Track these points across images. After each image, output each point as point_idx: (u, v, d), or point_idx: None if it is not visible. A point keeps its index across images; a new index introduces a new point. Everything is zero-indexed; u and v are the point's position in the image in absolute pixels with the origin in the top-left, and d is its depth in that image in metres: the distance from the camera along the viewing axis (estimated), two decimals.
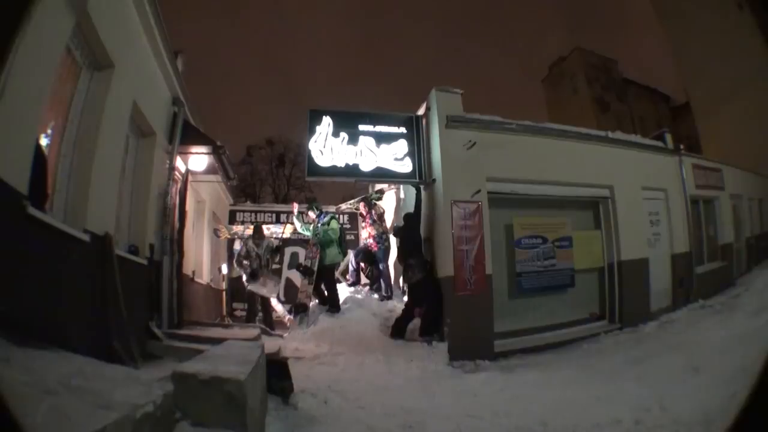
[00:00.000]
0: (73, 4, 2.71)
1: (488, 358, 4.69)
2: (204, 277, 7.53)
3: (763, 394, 1.06)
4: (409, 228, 5.54)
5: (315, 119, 5.40)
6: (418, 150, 5.58)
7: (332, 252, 6.02)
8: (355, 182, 6.61)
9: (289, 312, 6.39)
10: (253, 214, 9.06)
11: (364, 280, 6.62)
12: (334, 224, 6.20)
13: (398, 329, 5.17)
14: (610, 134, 6.70)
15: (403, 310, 5.37)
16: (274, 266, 7.43)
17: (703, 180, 7.90)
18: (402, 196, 6.94)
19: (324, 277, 5.97)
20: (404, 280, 5.67)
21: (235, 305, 8.38)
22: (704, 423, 2.17)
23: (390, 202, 7.38)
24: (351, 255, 6.80)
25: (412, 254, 5.31)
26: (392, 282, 6.33)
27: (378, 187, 7.41)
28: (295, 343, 5.15)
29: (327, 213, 6.66)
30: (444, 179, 5.20)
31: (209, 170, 6.15)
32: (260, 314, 6.63)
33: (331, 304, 5.80)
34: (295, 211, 6.67)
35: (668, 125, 16.59)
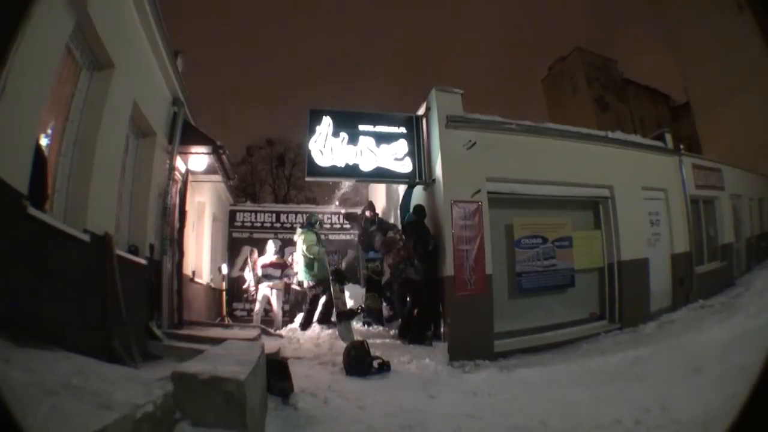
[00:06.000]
0: (73, 4, 2.71)
1: (488, 358, 4.69)
2: (204, 277, 7.52)
3: (763, 394, 1.06)
4: (419, 225, 5.29)
5: (315, 119, 5.41)
6: (418, 150, 5.58)
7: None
8: (355, 182, 6.60)
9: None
10: (253, 214, 9.09)
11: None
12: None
13: (406, 329, 5.13)
14: (610, 134, 6.71)
15: (407, 310, 5.33)
16: None
17: (703, 180, 7.90)
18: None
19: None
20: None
21: (235, 305, 8.39)
22: (704, 423, 2.17)
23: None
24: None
25: (420, 257, 5.11)
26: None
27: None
28: (295, 342, 5.15)
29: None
30: (444, 179, 5.20)
31: (209, 170, 6.14)
32: (258, 313, 6.65)
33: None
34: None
35: (668, 125, 16.58)
